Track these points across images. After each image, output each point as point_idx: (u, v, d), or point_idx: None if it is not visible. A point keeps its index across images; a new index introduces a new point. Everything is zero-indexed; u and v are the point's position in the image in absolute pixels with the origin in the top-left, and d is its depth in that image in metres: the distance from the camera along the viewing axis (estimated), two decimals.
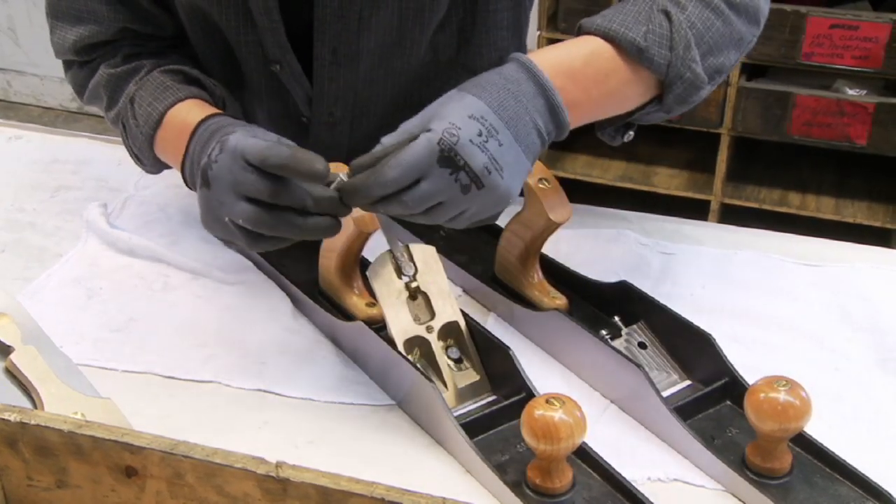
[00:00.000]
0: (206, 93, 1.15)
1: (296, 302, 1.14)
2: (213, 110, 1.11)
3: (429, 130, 0.90)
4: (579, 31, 1.02)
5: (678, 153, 2.84)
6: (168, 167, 1.18)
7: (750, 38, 1.07)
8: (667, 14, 1.00)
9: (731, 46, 1.04)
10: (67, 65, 1.25)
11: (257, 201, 0.91)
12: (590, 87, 0.98)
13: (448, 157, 0.89)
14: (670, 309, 1.04)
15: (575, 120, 0.98)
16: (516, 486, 0.89)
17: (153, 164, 1.18)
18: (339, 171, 0.96)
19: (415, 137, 0.90)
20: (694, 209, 2.62)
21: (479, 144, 0.90)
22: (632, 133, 1.09)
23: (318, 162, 0.90)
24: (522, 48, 1.31)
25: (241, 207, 0.92)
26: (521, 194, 1.13)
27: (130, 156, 1.20)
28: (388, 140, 0.92)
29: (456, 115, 0.90)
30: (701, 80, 1.01)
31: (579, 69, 0.98)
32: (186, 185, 1.10)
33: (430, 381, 0.95)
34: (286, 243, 0.95)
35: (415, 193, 0.89)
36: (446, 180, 0.89)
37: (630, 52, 0.98)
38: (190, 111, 1.10)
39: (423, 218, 0.92)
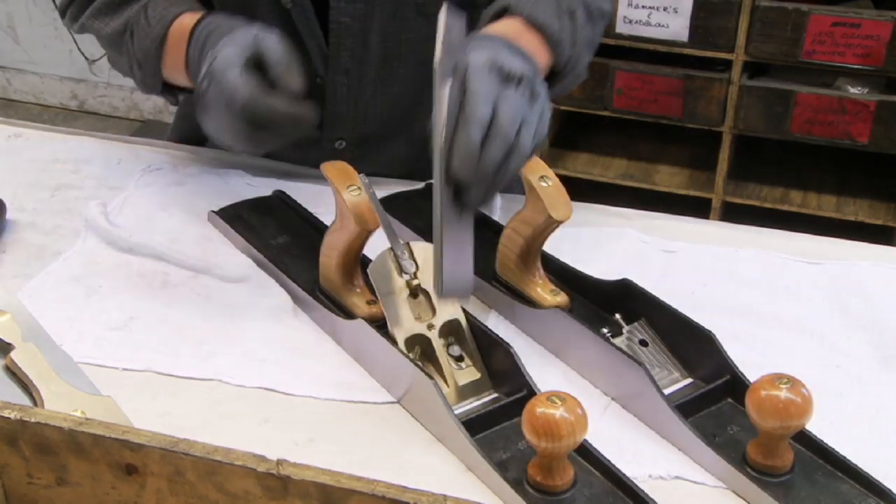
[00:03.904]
0: None
1: (296, 300, 1.14)
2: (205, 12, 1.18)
3: (466, 69, 0.93)
4: (505, 11, 1.13)
5: (679, 151, 2.84)
6: (164, 86, 1.25)
7: (599, 41, 1.24)
8: (571, 14, 1.15)
9: (593, 49, 1.22)
10: None
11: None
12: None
13: (507, 76, 0.94)
14: (672, 307, 1.04)
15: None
16: (517, 483, 0.88)
17: (154, 74, 1.22)
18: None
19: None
20: (695, 207, 2.62)
21: (514, 55, 0.97)
22: None
23: (298, 114, 1.01)
24: None
25: (230, 138, 1.05)
26: (522, 192, 1.13)
27: (130, 69, 1.24)
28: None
29: (475, 56, 0.95)
30: (583, 76, 1.19)
31: (519, 39, 1.08)
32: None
33: (431, 378, 0.95)
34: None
35: (501, 119, 0.91)
36: (515, 94, 0.93)
37: (550, 41, 1.12)
38: (195, 16, 1.17)
39: (516, 152, 0.93)
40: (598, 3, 1.21)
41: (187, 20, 1.18)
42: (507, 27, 1.11)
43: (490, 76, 0.93)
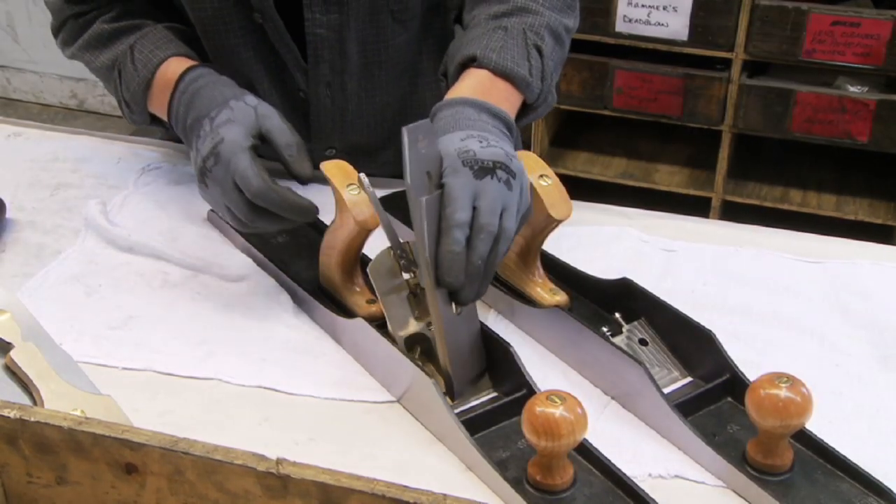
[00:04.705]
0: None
1: (296, 299, 1.14)
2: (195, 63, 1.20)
3: (441, 173, 0.93)
4: (472, 61, 1.14)
5: (679, 150, 2.84)
6: (152, 118, 1.26)
7: (567, 54, 1.25)
8: (538, 49, 1.16)
9: (562, 66, 1.23)
10: (62, 22, 1.30)
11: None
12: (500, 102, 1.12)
13: (481, 168, 0.93)
14: (671, 306, 1.04)
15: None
16: (517, 482, 0.88)
17: (141, 112, 1.24)
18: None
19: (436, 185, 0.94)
20: (695, 206, 2.62)
21: (485, 145, 0.96)
22: None
23: (306, 206, 1.04)
24: None
25: (228, 214, 1.08)
26: None
27: (119, 104, 1.26)
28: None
29: (447, 144, 0.96)
30: (554, 101, 1.20)
31: (489, 93, 1.12)
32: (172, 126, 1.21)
33: (431, 378, 0.95)
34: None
35: (483, 213, 0.92)
36: (492, 184, 0.93)
37: (520, 85, 1.14)
38: (181, 64, 1.19)
39: (502, 238, 0.94)
40: (563, 22, 1.21)
41: (172, 69, 1.19)
42: (475, 83, 1.12)
43: (465, 171, 0.93)
